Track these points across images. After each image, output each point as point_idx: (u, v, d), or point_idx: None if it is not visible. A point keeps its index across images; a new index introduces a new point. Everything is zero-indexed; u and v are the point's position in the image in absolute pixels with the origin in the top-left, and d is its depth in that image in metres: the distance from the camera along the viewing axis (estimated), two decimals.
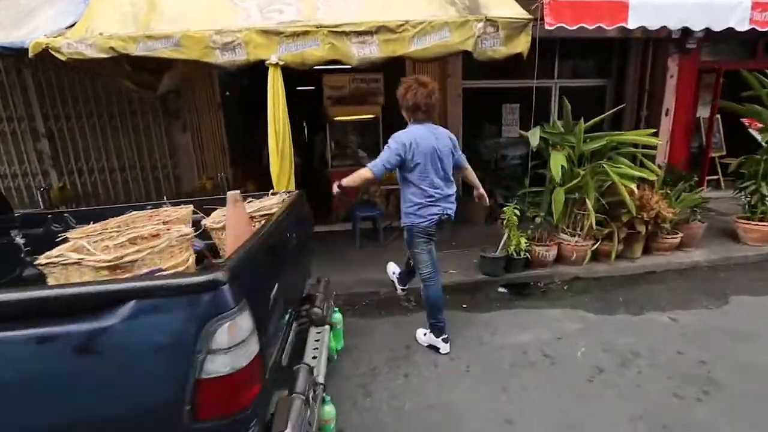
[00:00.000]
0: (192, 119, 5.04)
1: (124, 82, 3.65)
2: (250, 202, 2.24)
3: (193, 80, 4.89)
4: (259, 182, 5.24)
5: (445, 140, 2.48)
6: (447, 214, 2.50)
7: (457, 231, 4.88)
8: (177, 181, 5.25)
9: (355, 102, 5.35)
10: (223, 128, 5.15)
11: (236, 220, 1.91)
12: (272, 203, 2.20)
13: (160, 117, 5.02)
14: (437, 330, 2.61)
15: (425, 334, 2.71)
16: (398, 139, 2.40)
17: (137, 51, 2.66)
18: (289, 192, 2.53)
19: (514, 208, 3.34)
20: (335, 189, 2.59)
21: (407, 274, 3.15)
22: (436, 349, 2.63)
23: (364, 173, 2.45)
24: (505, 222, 3.42)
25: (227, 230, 1.91)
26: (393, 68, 5.35)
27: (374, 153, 6.03)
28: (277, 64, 2.76)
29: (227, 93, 5.58)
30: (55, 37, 2.61)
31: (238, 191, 1.90)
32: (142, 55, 2.68)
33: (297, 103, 7.70)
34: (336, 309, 2.50)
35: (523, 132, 3.86)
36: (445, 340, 2.60)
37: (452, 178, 2.55)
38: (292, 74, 3.08)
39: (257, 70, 2.91)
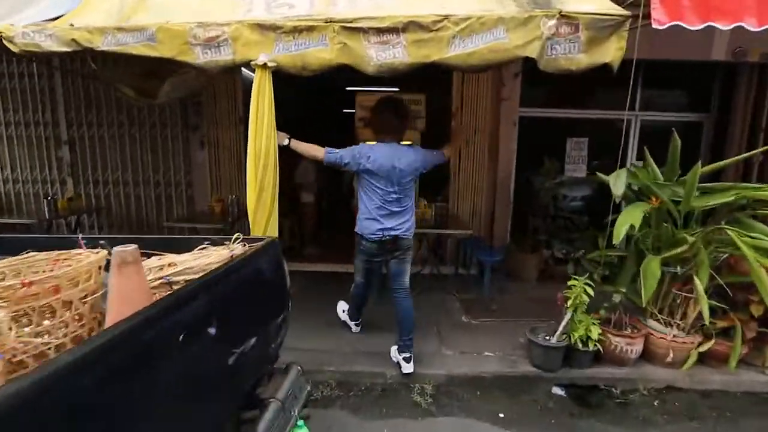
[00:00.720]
0: (211, 134, 4.62)
1: (122, 89, 3.23)
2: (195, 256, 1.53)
3: (215, 91, 4.49)
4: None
5: (409, 160, 2.50)
6: (389, 236, 2.48)
7: (502, 290, 3.89)
8: (189, 201, 4.81)
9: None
10: (241, 144, 4.66)
11: (123, 294, 1.18)
12: (208, 263, 1.46)
13: (179, 130, 4.66)
14: (351, 316, 3.12)
15: (343, 311, 3.22)
16: (359, 147, 2.60)
17: (103, 45, 2.15)
18: (256, 241, 1.79)
19: (586, 283, 2.32)
20: (284, 141, 2.39)
21: (357, 309, 3.07)
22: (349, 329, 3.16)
23: (315, 150, 2.50)
24: (569, 302, 2.41)
25: (108, 309, 1.19)
26: (437, 86, 4.67)
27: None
28: (265, 65, 2.10)
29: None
30: (11, 25, 2.17)
31: (133, 247, 1.17)
32: (109, 51, 2.16)
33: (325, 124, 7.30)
34: (300, 422, 1.67)
35: (602, 176, 2.86)
36: (357, 324, 3.19)
37: (409, 203, 2.57)
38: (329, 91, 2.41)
39: (290, 81, 2.51)
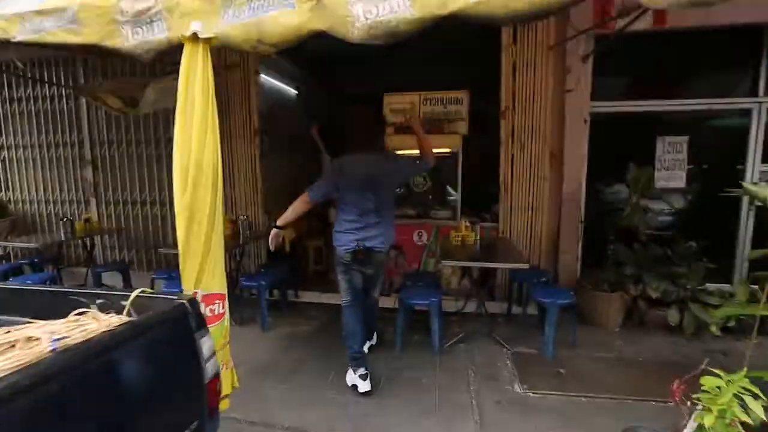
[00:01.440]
0: (224, 149, 4.19)
1: (105, 100, 2.85)
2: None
3: (228, 98, 4.06)
4: (297, 231, 4.09)
5: (385, 169, 2.46)
6: (365, 246, 2.38)
7: (572, 343, 2.88)
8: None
9: (425, 130, 3.87)
10: (257, 159, 4.17)
11: None
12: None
13: None
14: (352, 360, 2.46)
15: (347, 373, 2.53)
16: (331, 165, 2.53)
17: (21, 35, 1.67)
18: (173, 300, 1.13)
19: (744, 390, 1.27)
20: (273, 234, 2.45)
21: (354, 341, 2.51)
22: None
23: (300, 200, 2.41)
24: (700, 410, 1.39)
25: None
26: (482, 81, 3.81)
27: (445, 202, 4.43)
28: (195, 36, 1.47)
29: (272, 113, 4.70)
30: None
31: None
32: (29, 42, 1.68)
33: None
34: None
35: (756, 188, 1.81)
36: (363, 377, 2.38)
37: (388, 214, 2.50)
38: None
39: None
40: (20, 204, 4.97)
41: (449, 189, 4.31)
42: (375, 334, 3.02)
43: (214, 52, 1.58)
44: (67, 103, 4.59)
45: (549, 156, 3.59)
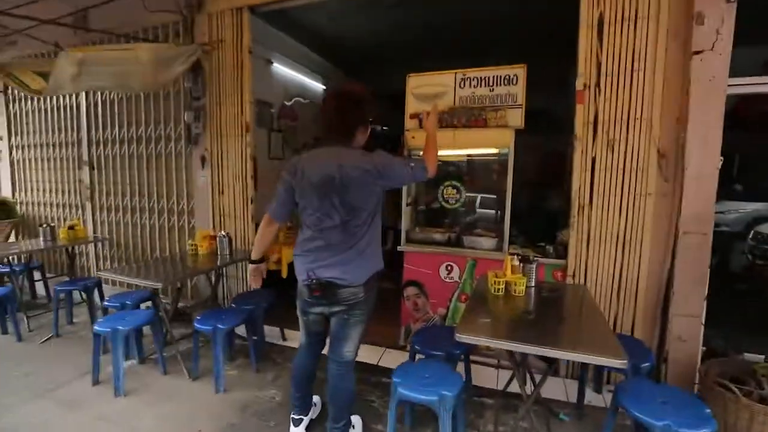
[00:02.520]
0: (214, 148, 3.45)
1: (20, 77, 2.19)
2: None
3: (220, 83, 3.32)
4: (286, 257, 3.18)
5: (357, 168, 1.64)
6: (318, 278, 1.71)
7: None
8: (192, 233, 3.69)
9: (462, 123, 2.74)
10: (247, 160, 3.35)
11: None
12: None
13: (183, 144, 3.63)
14: (291, 405, 2.06)
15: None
16: (288, 163, 1.80)
17: None
18: None
19: None
20: (251, 270, 1.96)
21: (297, 389, 2.03)
22: None
23: (263, 220, 1.88)
24: None
25: None
26: (549, 48, 2.53)
27: (487, 224, 3.18)
28: None
29: (272, 110, 3.90)
30: None
31: None
32: None
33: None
34: None
35: None
36: (294, 422, 2.03)
37: (361, 234, 1.70)
38: None
39: None
40: (27, 205, 4.73)
41: (493, 205, 3.11)
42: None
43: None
44: (69, 99, 4.22)
45: (657, 159, 2.27)
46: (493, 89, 2.72)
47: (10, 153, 4.73)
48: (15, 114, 4.63)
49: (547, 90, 4.69)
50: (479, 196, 3.28)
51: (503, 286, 2.01)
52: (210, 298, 3.14)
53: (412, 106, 2.93)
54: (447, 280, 2.88)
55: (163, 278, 2.40)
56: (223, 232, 3.07)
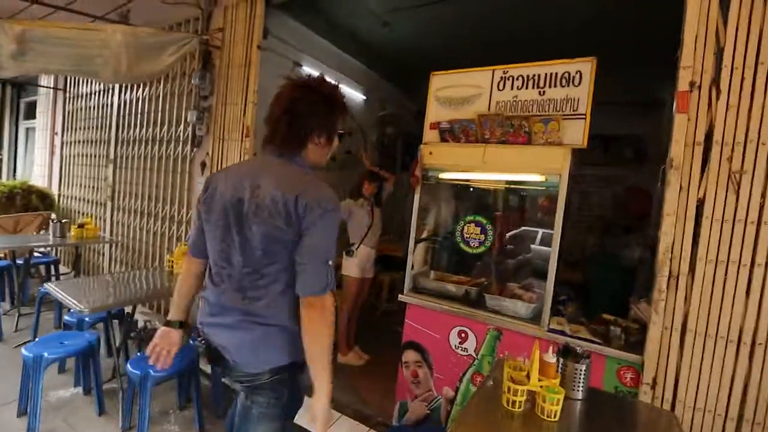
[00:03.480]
0: (215, 152, 3.07)
1: None
2: None
3: (227, 79, 2.96)
4: None
5: (274, 191, 1.08)
6: (207, 340, 1.21)
7: None
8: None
9: (495, 136, 1.97)
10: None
11: None
12: None
13: (189, 147, 3.33)
14: None
15: None
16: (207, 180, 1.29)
17: None
18: None
19: None
20: (156, 342, 1.29)
21: None
22: None
23: (184, 262, 1.34)
24: None
25: None
26: (626, 36, 1.64)
27: (524, 280, 2.24)
28: None
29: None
30: None
31: None
32: None
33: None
34: None
35: None
36: None
37: (260, 288, 1.13)
38: None
39: None
40: (67, 199, 4.86)
41: (535, 253, 2.25)
42: None
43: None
44: (107, 97, 4.25)
45: None
46: (543, 91, 1.93)
47: (62, 149, 4.94)
48: (69, 112, 4.84)
49: (629, 108, 3.70)
50: (518, 238, 2.44)
51: (524, 398, 1.20)
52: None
53: (433, 112, 2.24)
54: (459, 351, 2.08)
55: (90, 301, 1.96)
56: None
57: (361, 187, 3.06)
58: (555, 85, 1.89)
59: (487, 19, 3.40)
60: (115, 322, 2.70)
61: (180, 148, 3.39)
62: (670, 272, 1.52)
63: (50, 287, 2.16)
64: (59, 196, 4.90)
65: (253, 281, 1.13)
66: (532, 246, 3.74)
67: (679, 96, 1.51)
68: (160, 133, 3.58)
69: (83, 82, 4.59)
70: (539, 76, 1.93)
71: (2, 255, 3.65)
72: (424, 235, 2.51)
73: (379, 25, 4.01)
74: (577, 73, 1.84)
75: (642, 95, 3.94)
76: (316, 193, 1.09)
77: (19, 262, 3.56)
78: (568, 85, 1.86)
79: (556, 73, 1.89)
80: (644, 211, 3.89)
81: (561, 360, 1.31)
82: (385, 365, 2.85)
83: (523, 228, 2.39)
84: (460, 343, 2.07)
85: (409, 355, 2.24)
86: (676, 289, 1.51)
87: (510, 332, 1.93)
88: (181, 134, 3.38)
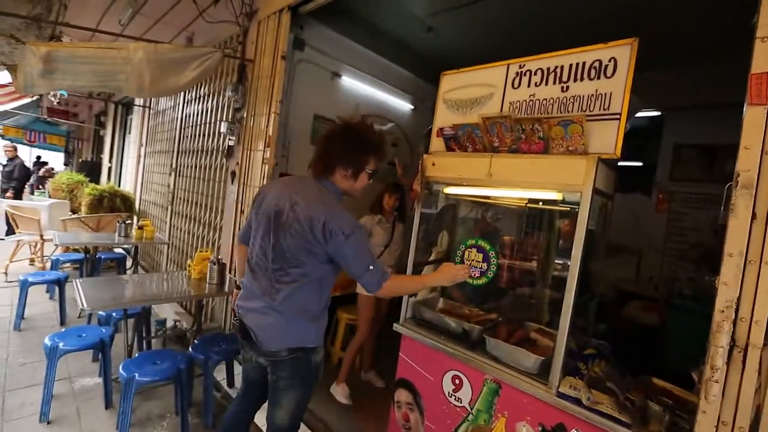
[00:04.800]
0: (244, 161, 3.15)
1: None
2: None
3: (257, 92, 3.03)
4: None
5: (306, 209, 1.36)
6: (241, 319, 1.51)
7: None
8: (219, 251, 3.47)
9: (505, 144, 1.61)
10: (265, 178, 2.90)
11: None
12: None
13: (224, 157, 3.48)
14: None
15: None
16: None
17: None
18: None
19: None
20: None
21: None
22: None
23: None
24: None
25: None
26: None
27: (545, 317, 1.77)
28: None
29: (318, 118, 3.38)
30: None
31: None
32: None
33: None
34: None
35: None
36: None
37: (283, 285, 1.41)
38: None
39: None
40: (145, 204, 5.49)
41: (549, 289, 1.79)
42: None
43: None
44: (175, 112, 4.71)
45: None
46: (566, 87, 1.52)
47: (144, 159, 5.62)
48: (151, 126, 5.50)
49: (734, 113, 2.90)
50: (529, 268, 1.97)
51: None
52: (188, 329, 2.74)
53: (440, 117, 1.95)
54: (452, 400, 1.73)
55: (98, 300, 2.06)
56: (215, 257, 2.66)
57: (381, 200, 2.83)
58: (581, 78, 1.49)
59: (536, 11, 2.98)
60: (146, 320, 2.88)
61: (219, 158, 3.56)
62: (733, 341, 1.03)
63: (75, 283, 2.33)
64: (140, 200, 5.57)
65: (278, 277, 1.40)
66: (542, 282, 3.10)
67: (753, 81, 1.04)
68: (205, 144, 3.82)
69: (162, 99, 5.17)
70: (562, 68, 1.54)
71: (80, 249, 4.20)
72: (434, 256, 2.20)
73: (423, 30, 3.81)
74: (610, 61, 1.42)
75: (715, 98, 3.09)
76: (338, 220, 1.32)
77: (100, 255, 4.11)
78: (599, 78, 1.44)
79: (584, 63, 1.48)
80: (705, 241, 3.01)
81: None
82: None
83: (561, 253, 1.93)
84: (453, 390, 1.72)
85: (401, 395, 1.94)
86: (743, 366, 1.01)
87: (511, 388, 1.53)
88: (220, 145, 3.55)
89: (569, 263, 1.41)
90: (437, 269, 1.58)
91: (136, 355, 2.20)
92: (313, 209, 1.34)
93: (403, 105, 4.67)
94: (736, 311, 1.03)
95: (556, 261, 1.86)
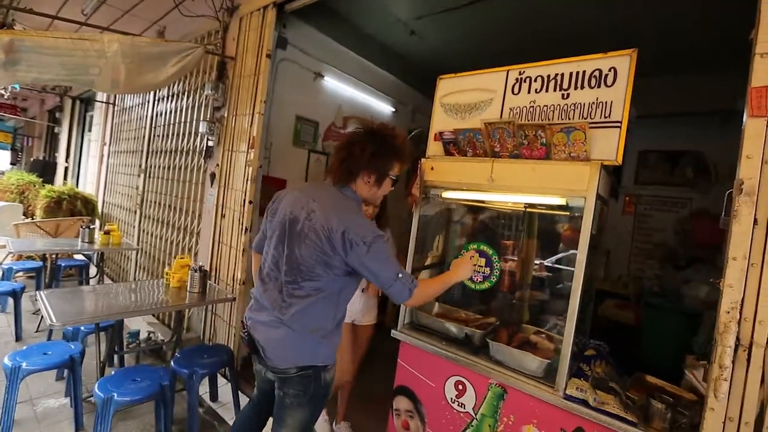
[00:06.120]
0: (225, 163, 3.01)
1: None
2: None
3: (239, 88, 2.90)
4: None
5: (322, 217, 1.29)
6: (249, 332, 1.42)
7: None
8: (196, 257, 3.29)
9: (507, 149, 1.63)
10: (249, 182, 2.78)
11: None
12: None
13: (203, 157, 3.31)
14: None
15: None
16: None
17: None
18: None
19: None
20: None
21: None
22: None
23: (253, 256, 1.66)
24: None
25: None
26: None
27: (552, 318, 1.84)
28: None
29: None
30: None
31: None
32: None
33: None
34: None
35: None
36: None
37: (295, 299, 1.33)
38: None
39: None
40: (108, 206, 5.14)
41: (554, 292, 1.83)
42: None
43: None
44: (144, 109, 4.44)
45: None
46: (567, 94, 1.56)
47: (108, 158, 5.26)
48: (116, 124, 5.16)
49: (695, 122, 3.20)
50: (539, 271, 2.01)
51: None
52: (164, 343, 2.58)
53: (438, 121, 1.94)
54: (455, 406, 1.72)
55: (66, 314, 1.87)
56: (196, 264, 2.52)
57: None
58: (582, 86, 1.52)
59: (519, 19, 3.05)
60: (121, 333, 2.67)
61: (196, 159, 3.39)
62: (738, 341, 1.08)
63: (40, 296, 2.13)
64: (103, 202, 5.20)
65: (290, 290, 1.32)
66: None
67: (753, 94, 1.10)
68: (179, 145, 3.63)
69: (128, 96, 4.87)
70: (562, 75, 1.57)
71: (36, 257, 3.86)
72: (429, 261, 2.19)
73: (407, 33, 3.82)
74: (610, 70, 1.46)
75: (716, 103, 3.33)
76: (358, 229, 1.26)
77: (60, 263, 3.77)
78: (599, 86, 1.48)
79: (584, 72, 1.52)
80: (714, 239, 3.23)
81: None
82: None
83: (560, 256, 1.97)
84: (456, 396, 1.71)
85: (401, 402, 1.91)
86: (748, 365, 1.06)
87: (516, 392, 1.54)
88: (198, 145, 3.38)
89: (567, 267, 1.44)
90: (450, 268, 1.58)
91: (113, 372, 2.02)
92: (331, 218, 1.27)
93: (384, 108, 4.66)
94: (740, 312, 1.08)
95: (554, 264, 1.90)
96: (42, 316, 3.41)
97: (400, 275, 1.29)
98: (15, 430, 2.00)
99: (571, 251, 1.57)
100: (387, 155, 1.38)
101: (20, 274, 4.00)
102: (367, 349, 2.34)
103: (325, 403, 1.47)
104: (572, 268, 1.44)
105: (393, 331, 1.92)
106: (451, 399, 1.73)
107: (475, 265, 1.70)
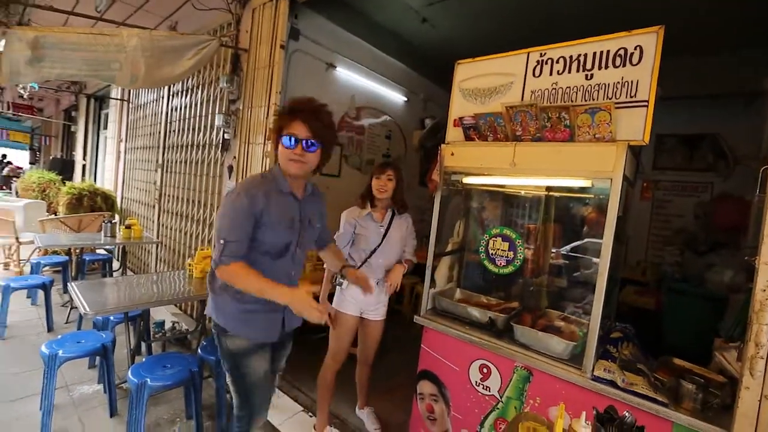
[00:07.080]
0: (242, 155, 3.04)
1: None
2: None
3: (254, 81, 2.92)
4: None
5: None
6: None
7: None
8: None
9: (529, 132, 1.61)
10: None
11: None
12: None
13: (220, 150, 3.35)
14: None
15: None
16: None
17: None
18: None
19: None
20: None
21: None
22: None
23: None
24: None
25: None
26: None
27: (578, 303, 1.86)
28: None
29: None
30: None
31: None
32: None
33: None
34: None
35: None
36: None
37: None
38: None
39: None
40: (128, 202, 5.24)
41: (581, 275, 1.82)
42: None
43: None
44: (159, 105, 4.50)
45: None
46: (591, 75, 1.54)
47: (125, 155, 5.35)
48: (132, 121, 5.23)
49: (715, 104, 3.13)
50: (561, 255, 2.01)
51: None
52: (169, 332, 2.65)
53: (457, 107, 1.93)
54: (480, 389, 1.74)
55: (97, 303, 1.94)
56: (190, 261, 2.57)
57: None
58: (606, 66, 1.50)
59: (529, 3, 2.99)
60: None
61: (213, 152, 3.43)
62: None
63: (71, 287, 2.20)
64: (121, 198, 5.31)
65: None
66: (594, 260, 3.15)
67: None
68: (196, 139, 3.67)
69: (143, 92, 4.93)
70: (585, 56, 1.55)
71: (62, 251, 3.97)
72: (450, 247, 2.20)
73: (418, 21, 3.78)
74: (636, 48, 1.43)
75: (738, 85, 3.23)
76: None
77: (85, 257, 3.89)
78: (624, 65, 1.46)
79: (608, 51, 1.50)
80: (737, 222, 3.15)
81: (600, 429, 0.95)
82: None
83: (583, 240, 1.95)
84: (481, 379, 1.73)
85: (425, 387, 1.94)
86: None
87: (542, 374, 1.55)
88: (214, 139, 3.41)
89: (591, 247, 1.43)
90: (291, 289, 1.29)
91: (144, 359, 2.09)
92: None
93: (396, 97, 4.63)
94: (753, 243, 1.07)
95: (579, 248, 1.89)
96: (70, 308, 3.53)
97: (225, 241, 1.29)
98: (55, 414, 2.08)
99: (597, 234, 1.56)
100: (279, 116, 1.49)
101: (47, 268, 4.12)
102: (380, 342, 2.22)
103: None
104: (597, 249, 1.43)
105: (416, 316, 1.94)
106: (476, 382, 1.75)
107: (494, 256, 1.69)
